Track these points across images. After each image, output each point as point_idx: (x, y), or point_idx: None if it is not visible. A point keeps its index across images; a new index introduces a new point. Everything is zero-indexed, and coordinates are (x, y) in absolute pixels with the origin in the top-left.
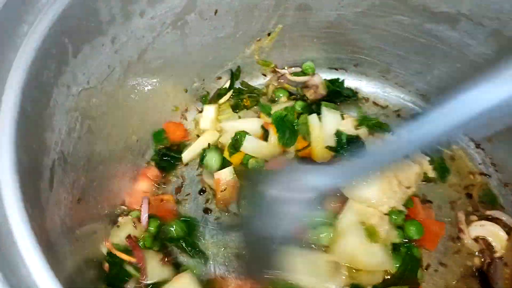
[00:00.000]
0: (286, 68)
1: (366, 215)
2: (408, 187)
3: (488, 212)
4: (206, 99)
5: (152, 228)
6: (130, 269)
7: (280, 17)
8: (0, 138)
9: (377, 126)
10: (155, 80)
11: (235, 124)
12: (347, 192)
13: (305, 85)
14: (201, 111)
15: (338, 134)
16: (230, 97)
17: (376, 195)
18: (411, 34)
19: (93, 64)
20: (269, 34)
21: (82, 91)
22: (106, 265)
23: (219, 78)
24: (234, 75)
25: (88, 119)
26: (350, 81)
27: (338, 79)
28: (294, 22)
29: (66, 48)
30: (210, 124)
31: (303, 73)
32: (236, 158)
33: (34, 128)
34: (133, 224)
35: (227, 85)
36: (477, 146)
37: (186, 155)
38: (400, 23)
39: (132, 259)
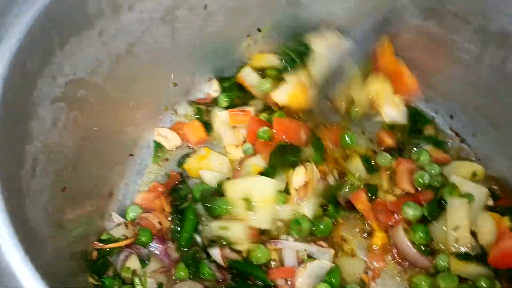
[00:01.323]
0: None
1: None
2: None
3: None
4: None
5: (144, 238)
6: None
7: (270, 13)
8: None
9: None
10: (144, 74)
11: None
12: None
13: None
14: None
15: None
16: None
17: None
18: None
19: (81, 56)
20: (259, 30)
21: (68, 82)
22: (95, 253)
23: (210, 79)
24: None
25: (75, 110)
26: None
27: None
28: (285, 18)
29: (52, 39)
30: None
31: None
32: None
33: (16, 117)
34: (125, 226)
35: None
36: (462, 141)
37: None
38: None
39: (123, 243)
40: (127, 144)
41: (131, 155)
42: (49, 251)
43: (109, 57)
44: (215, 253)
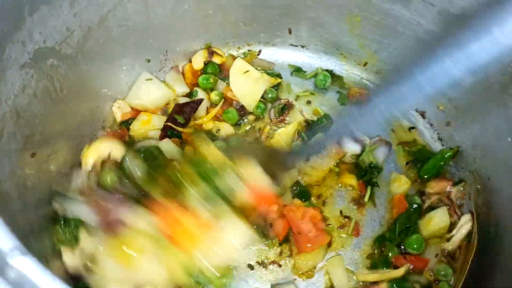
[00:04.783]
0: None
1: None
2: None
3: None
4: None
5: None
6: None
7: None
8: None
9: None
10: (116, 48)
11: None
12: None
13: None
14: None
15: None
16: None
17: None
18: (368, 13)
19: (51, 25)
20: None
21: (38, 49)
22: None
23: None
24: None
25: (44, 78)
26: (310, 58)
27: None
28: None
29: (22, 5)
30: None
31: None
32: None
33: None
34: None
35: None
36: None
37: None
38: (357, 2)
39: None
40: (98, 118)
41: (103, 127)
42: (16, 209)
43: (80, 29)
44: None
